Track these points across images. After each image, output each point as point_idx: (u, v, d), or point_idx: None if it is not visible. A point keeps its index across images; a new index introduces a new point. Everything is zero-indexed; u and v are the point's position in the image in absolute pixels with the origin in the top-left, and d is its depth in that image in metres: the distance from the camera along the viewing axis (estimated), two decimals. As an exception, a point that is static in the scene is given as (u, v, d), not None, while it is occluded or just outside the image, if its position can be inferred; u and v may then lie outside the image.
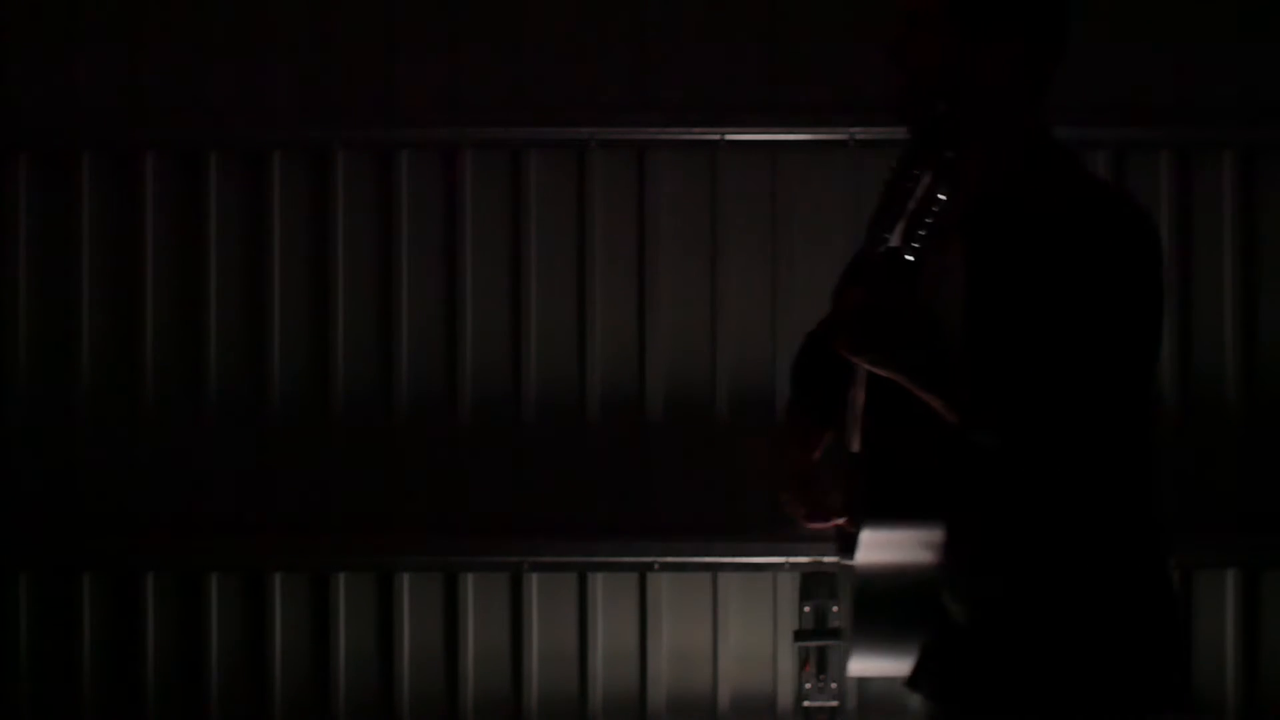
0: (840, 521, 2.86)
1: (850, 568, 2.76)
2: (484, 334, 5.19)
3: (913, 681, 2.84)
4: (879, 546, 2.69)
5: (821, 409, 2.99)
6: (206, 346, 5.18)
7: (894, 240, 2.54)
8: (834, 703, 5.01)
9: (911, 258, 2.51)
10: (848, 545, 2.78)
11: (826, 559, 5.04)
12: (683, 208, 5.19)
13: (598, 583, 5.15)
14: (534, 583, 5.15)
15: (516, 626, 5.15)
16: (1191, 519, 5.02)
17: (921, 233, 2.50)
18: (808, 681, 5.01)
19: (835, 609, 4.99)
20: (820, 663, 4.99)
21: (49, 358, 5.19)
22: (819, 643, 4.99)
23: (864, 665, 2.81)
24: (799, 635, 5.02)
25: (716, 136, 5.15)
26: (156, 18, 5.20)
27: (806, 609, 5.01)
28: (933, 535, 2.67)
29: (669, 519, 5.13)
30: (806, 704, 5.02)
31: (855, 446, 2.74)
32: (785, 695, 5.12)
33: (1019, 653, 2.71)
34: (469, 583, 5.16)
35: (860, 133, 5.11)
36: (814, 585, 5.02)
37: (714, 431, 5.15)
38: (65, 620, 5.15)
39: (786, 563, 5.07)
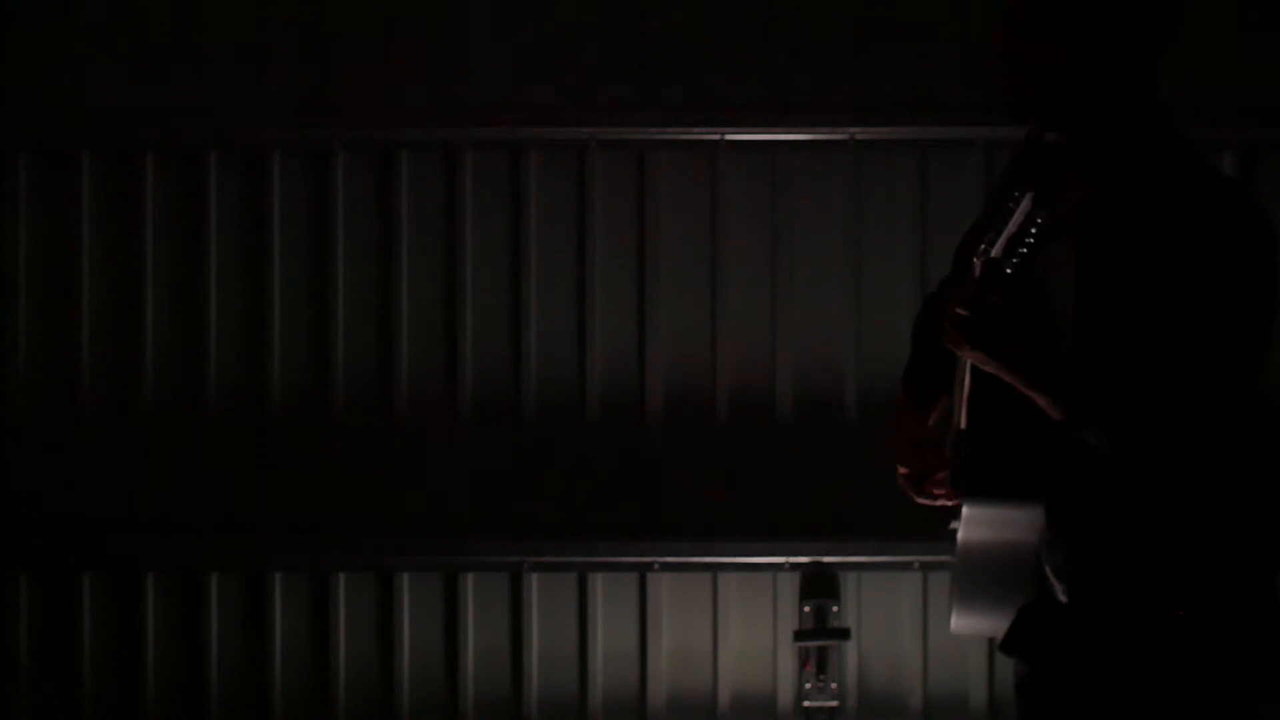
0: (944, 494, 2.93)
1: (954, 533, 2.84)
2: (484, 334, 5.19)
3: (1007, 646, 2.89)
4: (980, 523, 2.77)
5: (940, 371, 3.03)
6: (206, 346, 5.18)
7: (995, 251, 2.62)
8: (834, 703, 5.01)
9: (1010, 271, 2.59)
10: (954, 512, 2.86)
11: (826, 559, 5.04)
12: (683, 208, 5.19)
13: (598, 583, 5.15)
14: (534, 583, 5.15)
15: (516, 626, 5.15)
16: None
17: (1023, 250, 2.58)
18: (808, 681, 5.01)
19: (835, 609, 4.99)
20: (820, 663, 4.99)
21: (49, 358, 5.19)
22: (819, 643, 4.99)
23: (963, 624, 2.89)
24: (799, 635, 5.01)
25: (716, 136, 5.15)
26: (156, 18, 5.20)
27: (806, 609, 5.00)
28: (1034, 515, 2.75)
29: (669, 519, 5.13)
30: (806, 704, 5.02)
31: (963, 424, 2.81)
32: (785, 695, 5.12)
33: (1119, 633, 2.74)
34: (469, 583, 5.16)
35: (860, 133, 5.11)
36: (814, 585, 5.02)
37: (714, 431, 5.15)
38: (65, 620, 5.15)
39: (786, 563, 5.07)
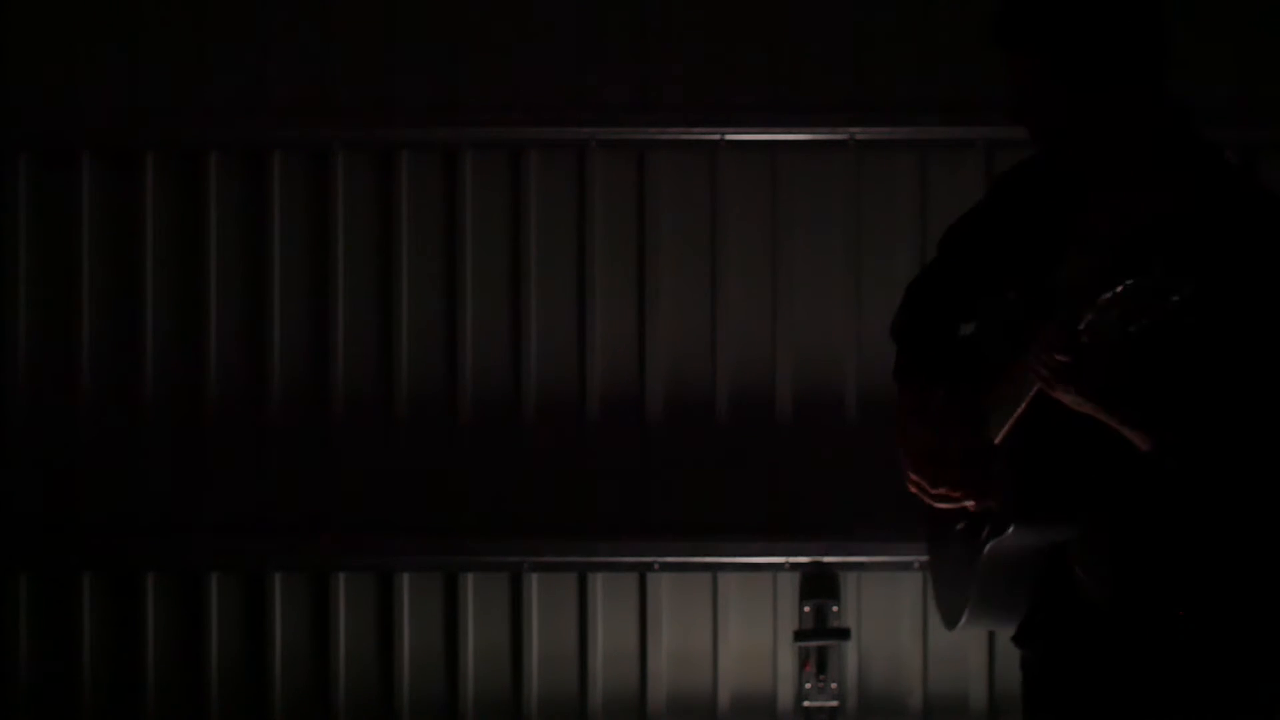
0: (969, 505, 2.92)
1: (962, 533, 2.88)
2: (484, 334, 5.19)
3: (1019, 638, 2.93)
4: (1020, 539, 2.81)
5: (934, 367, 3.03)
6: (206, 346, 5.18)
7: (1119, 315, 2.56)
8: (834, 703, 5.00)
9: (1133, 332, 2.56)
10: (959, 513, 2.90)
11: (826, 559, 5.04)
12: (683, 208, 5.19)
13: (598, 583, 5.15)
14: (534, 583, 5.15)
15: (516, 626, 5.15)
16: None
17: (1146, 321, 2.53)
18: (808, 681, 5.01)
19: (835, 609, 4.99)
20: (820, 663, 4.99)
21: (49, 358, 5.19)
22: (819, 643, 4.99)
23: (975, 624, 2.93)
24: (799, 635, 5.01)
25: (716, 136, 5.15)
26: (156, 18, 5.20)
27: (806, 609, 5.00)
28: (1073, 530, 2.79)
29: (669, 519, 5.13)
30: (806, 704, 5.02)
31: (996, 438, 2.83)
32: (785, 695, 5.12)
33: (1147, 633, 2.76)
34: (469, 583, 5.16)
35: (860, 133, 5.12)
36: (814, 585, 5.02)
37: (714, 431, 5.15)
38: (65, 620, 5.15)
39: (786, 563, 5.07)
